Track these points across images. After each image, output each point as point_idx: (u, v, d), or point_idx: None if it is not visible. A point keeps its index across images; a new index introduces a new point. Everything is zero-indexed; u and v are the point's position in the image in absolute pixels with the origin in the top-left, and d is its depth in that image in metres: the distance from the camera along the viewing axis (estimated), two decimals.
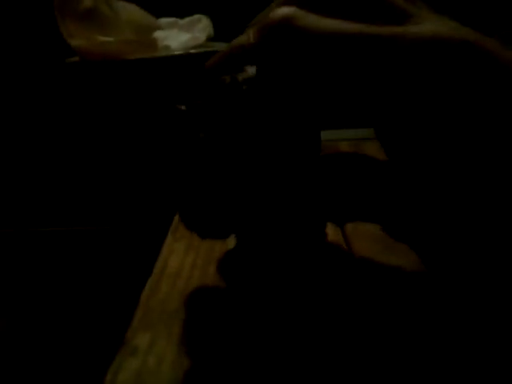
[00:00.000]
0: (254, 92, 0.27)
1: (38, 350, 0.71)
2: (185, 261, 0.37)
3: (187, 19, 0.94)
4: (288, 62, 0.25)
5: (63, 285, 0.81)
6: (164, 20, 0.93)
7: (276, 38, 0.25)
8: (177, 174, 0.28)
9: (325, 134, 0.42)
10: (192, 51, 0.86)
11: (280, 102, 0.27)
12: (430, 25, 0.22)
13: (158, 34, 0.89)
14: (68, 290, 0.80)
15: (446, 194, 0.25)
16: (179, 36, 0.90)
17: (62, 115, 0.93)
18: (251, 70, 0.27)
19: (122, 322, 0.34)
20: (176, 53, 0.86)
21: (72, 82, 0.87)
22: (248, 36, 0.26)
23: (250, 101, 0.27)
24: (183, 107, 0.28)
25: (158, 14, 0.94)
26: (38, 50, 0.96)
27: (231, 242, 0.38)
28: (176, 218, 0.44)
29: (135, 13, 0.86)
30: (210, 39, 0.92)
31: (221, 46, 0.89)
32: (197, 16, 0.94)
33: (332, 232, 0.36)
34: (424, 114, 0.22)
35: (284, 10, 0.24)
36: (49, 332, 0.74)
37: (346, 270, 0.32)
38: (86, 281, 0.80)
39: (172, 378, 0.28)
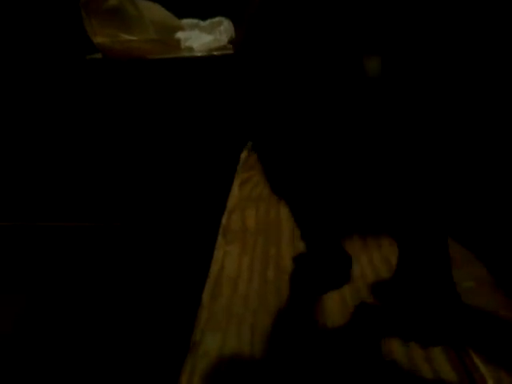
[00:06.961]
0: None
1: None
2: (241, 264, 0.37)
3: (209, 21, 0.94)
4: None
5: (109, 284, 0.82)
6: (186, 21, 0.93)
7: None
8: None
9: None
10: (215, 53, 0.86)
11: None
12: None
13: (180, 35, 0.88)
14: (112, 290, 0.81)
15: None
16: (201, 37, 0.90)
17: (80, 110, 0.92)
18: None
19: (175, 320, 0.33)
20: (199, 54, 0.86)
21: (92, 78, 0.87)
22: None
23: None
24: None
25: (180, 15, 0.94)
26: (59, 45, 0.95)
27: (286, 250, 0.38)
28: (224, 219, 0.44)
29: (159, 13, 0.86)
30: (231, 42, 0.92)
31: None
32: (218, 18, 0.94)
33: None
34: None
35: None
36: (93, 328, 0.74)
37: None
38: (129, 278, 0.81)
39: (246, 381, 0.27)
